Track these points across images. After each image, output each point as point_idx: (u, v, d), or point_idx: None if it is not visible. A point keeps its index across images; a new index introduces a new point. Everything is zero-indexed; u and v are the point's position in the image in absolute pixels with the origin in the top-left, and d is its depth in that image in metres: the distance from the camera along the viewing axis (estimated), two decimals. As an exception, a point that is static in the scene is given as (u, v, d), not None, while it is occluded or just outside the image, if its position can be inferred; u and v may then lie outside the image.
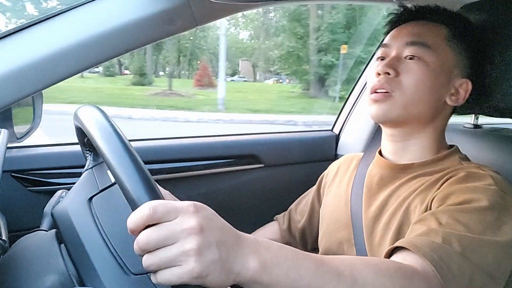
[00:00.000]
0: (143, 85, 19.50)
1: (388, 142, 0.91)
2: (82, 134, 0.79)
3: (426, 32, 0.83)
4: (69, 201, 0.78)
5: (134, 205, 0.50)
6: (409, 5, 0.91)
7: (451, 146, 0.89)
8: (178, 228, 0.45)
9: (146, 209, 0.46)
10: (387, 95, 0.82)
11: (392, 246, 0.65)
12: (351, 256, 0.69)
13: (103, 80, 21.86)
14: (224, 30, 14.83)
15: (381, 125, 0.91)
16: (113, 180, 0.76)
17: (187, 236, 0.45)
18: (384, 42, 0.89)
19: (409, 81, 0.81)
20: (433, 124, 0.85)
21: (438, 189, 0.76)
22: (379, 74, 0.83)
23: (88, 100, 12.69)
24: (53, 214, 0.77)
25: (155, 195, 0.51)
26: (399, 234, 0.78)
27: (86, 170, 0.82)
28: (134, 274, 0.64)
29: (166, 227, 0.46)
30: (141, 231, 0.47)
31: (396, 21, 0.90)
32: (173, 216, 0.46)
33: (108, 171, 0.76)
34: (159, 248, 0.46)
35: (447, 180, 0.76)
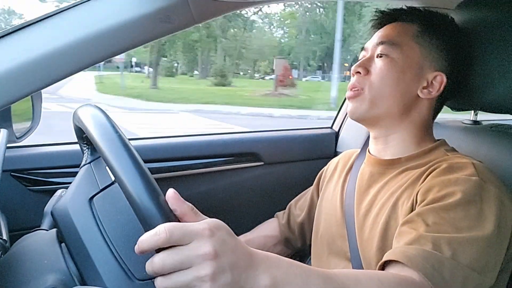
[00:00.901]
0: (224, 85, 21.28)
1: (372, 143, 0.95)
2: (80, 130, 0.78)
3: (395, 32, 0.89)
4: (69, 200, 0.77)
5: (147, 226, 0.51)
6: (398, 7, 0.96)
7: (438, 140, 0.90)
8: (193, 253, 0.47)
9: (163, 232, 0.47)
10: (357, 92, 0.88)
11: (385, 259, 0.67)
12: (355, 270, 0.73)
13: (173, 81, 22.50)
14: (339, 35, 15.84)
15: (364, 126, 0.96)
16: (112, 178, 0.76)
17: (202, 261, 0.46)
18: (363, 45, 0.95)
19: (376, 77, 0.87)
20: (408, 118, 0.88)
21: (423, 182, 0.78)
22: (353, 74, 0.90)
23: (219, 100, 14.35)
24: (53, 213, 0.77)
25: (168, 215, 0.52)
26: (386, 229, 0.80)
27: (84, 165, 0.82)
28: (138, 279, 0.65)
29: (181, 252, 0.47)
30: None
31: (375, 26, 0.96)
32: (188, 240, 0.47)
33: (107, 168, 0.76)
34: (174, 272, 0.47)
35: (430, 172, 0.78)
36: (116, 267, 0.66)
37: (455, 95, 0.93)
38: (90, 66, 0.59)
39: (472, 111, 1.08)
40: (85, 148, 0.84)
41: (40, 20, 0.58)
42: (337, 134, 1.60)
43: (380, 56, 0.88)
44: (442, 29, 0.89)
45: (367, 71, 0.89)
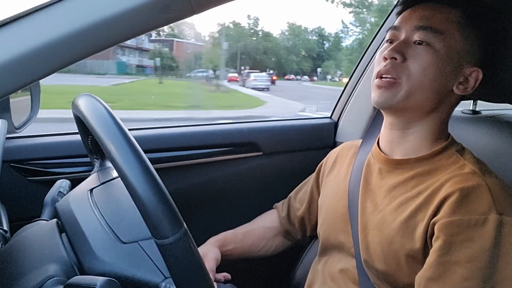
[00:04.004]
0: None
1: (387, 130, 0.88)
2: (85, 135, 0.84)
3: (437, 16, 0.79)
4: (71, 194, 0.81)
5: (148, 218, 0.54)
6: None
7: (448, 135, 0.86)
8: None
9: None
10: (392, 82, 0.79)
11: None
12: None
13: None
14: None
15: (382, 111, 0.88)
16: (114, 175, 0.83)
17: None
18: (394, 24, 0.84)
19: (416, 67, 0.78)
20: (436, 113, 0.82)
21: (437, 211, 0.74)
22: (385, 58, 0.80)
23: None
24: (57, 208, 0.79)
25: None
26: (391, 242, 0.79)
27: (93, 173, 0.87)
28: (124, 242, 0.67)
29: None
30: None
31: (408, 2, 0.85)
32: None
33: (113, 172, 0.83)
34: None
35: (444, 200, 0.74)
36: (105, 235, 0.69)
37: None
38: (89, 56, 0.59)
39: (471, 101, 1.08)
40: (95, 161, 0.88)
41: (38, 10, 0.58)
42: (336, 124, 1.60)
43: (420, 43, 0.78)
44: (486, 19, 0.81)
45: (404, 58, 0.78)
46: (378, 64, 0.82)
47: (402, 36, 0.81)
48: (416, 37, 0.79)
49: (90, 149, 0.87)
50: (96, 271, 0.65)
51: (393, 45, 0.80)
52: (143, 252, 0.66)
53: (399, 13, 0.86)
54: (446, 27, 0.78)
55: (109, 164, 0.87)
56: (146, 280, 0.64)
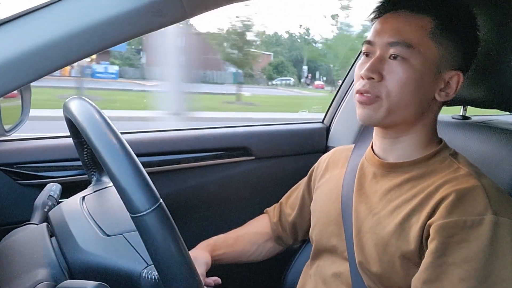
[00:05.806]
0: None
1: (379, 138, 0.88)
2: (81, 148, 0.86)
3: (408, 29, 0.78)
4: (64, 204, 0.81)
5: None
6: None
7: (441, 140, 0.87)
8: None
9: None
10: (372, 99, 0.79)
11: None
12: None
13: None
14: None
15: None
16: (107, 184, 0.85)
17: None
18: (368, 38, 0.84)
19: (394, 85, 0.78)
20: (422, 121, 0.83)
21: (432, 213, 0.74)
22: (362, 78, 0.80)
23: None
24: (49, 216, 0.80)
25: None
26: (387, 245, 0.78)
27: (89, 187, 0.88)
28: (109, 235, 0.69)
29: None
30: None
31: (378, 12, 0.84)
32: None
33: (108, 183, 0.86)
34: None
35: (439, 202, 0.74)
36: (89, 229, 0.70)
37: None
38: (82, 59, 0.59)
39: (461, 106, 1.09)
40: (93, 176, 0.89)
41: (27, 13, 0.58)
42: (328, 129, 1.60)
43: (395, 57, 0.78)
44: (461, 24, 0.80)
45: (381, 76, 0.79)
46: (357, 79, 0.83)
47: (377, 52, 0.81)
48: (391, 51, 0.79)
49: (86, 163, 0.88)
50: (79, 261, 0.66)
51: (369, 64, 0.80)
52: (127, 243, 0.67)
53: (372, 19, 0.85)
54: (418, 39, 0.78)
55: (106, 179, 0.88)
56: (129, 269, 0.64)
